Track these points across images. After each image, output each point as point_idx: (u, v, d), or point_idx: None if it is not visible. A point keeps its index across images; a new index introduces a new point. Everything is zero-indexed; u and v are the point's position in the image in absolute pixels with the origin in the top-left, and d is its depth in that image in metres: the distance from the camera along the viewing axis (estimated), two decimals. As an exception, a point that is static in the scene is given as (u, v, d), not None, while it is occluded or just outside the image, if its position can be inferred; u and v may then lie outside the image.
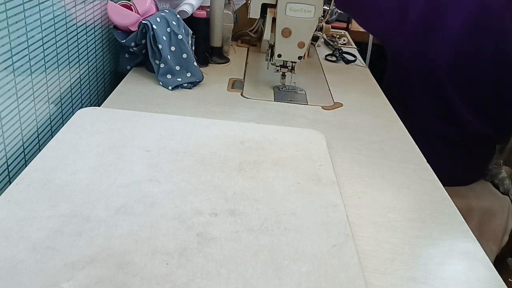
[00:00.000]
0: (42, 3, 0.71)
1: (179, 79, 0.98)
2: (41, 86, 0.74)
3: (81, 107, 0.91)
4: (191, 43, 1.02)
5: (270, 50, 1.03)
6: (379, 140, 0.86)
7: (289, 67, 1.02)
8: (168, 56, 0.97)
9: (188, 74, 0.99)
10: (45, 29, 0.73)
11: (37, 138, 0.75)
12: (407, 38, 1.23)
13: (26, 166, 0.64)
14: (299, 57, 0.98)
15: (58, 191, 0.58)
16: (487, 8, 1.15)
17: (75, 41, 0.86)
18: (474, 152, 1.29)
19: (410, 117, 1.26)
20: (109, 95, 0.91)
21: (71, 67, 0.86)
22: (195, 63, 1.00)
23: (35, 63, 0.72)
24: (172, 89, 0.97)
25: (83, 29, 0.90)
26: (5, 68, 0.63)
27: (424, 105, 1.27)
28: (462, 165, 1.31)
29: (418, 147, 0.85)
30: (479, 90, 1.21)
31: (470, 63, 1.18)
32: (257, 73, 1.16)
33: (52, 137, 0.70)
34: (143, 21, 0.94)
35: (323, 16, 0.97)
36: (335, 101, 1.01)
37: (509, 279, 1.25)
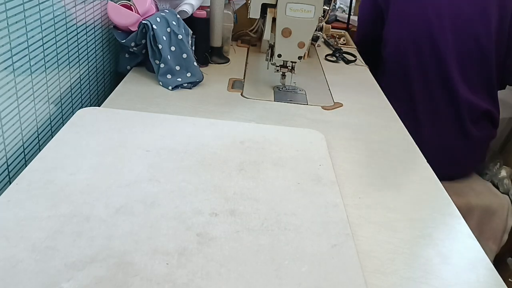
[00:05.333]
0: (42, 3, 0.71)
1: (179, 79, 0.98)
2: (41, 86, 0.74)
3: (81, 107, 0.91)
4: (191, 43, 1.02)
5: (270, 50, 1.03)
6: (379, 140, 0.86)
7: (289, 67, 1.02)
8: (168, 56, 0.97)
9: (188, 74, 0.99)
10: (45, 29, 0.73)
11: (37, 138, 0.75)
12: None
13: (26, 166, 0.64)
14: (299, 57, 0.98)
15: (58, 191, 0.58)
16: None
17: (75, 41, 0.86)
18: (474, 135, 1.30)
19: (414, 99, 1.28)
20: (109, 95, 0.91)
21: (71, 67, 0.86)
22: (195, 63, 1.00)
23: (35, 63, 0.72)
24: (172, 89, 0.97)
25: (83, 29, 0.90)
26: (5, 68, 0.63)
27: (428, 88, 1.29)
28: (462, 150, 1.32)
29: (421, 131, 0.87)
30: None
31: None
32: (257, 73, 1.16)
33: (52, 137, 0.70)
34: (143, 21, 0.94)
35: (323, 16, 0.97)
36: (335, 101, 1.01)
37: (509, 279, 1.25)
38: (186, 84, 0.98)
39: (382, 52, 1.38)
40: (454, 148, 1.32)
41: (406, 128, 0.91)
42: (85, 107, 0.94)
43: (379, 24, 1.38)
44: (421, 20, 1.26)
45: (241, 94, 1.00)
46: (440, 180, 0.74)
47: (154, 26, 0.93)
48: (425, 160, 0.80)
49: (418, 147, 0.84)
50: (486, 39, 1.24)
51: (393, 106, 1.01)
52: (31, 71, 0.70)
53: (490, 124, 1.34)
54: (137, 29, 0.96)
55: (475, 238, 0.61)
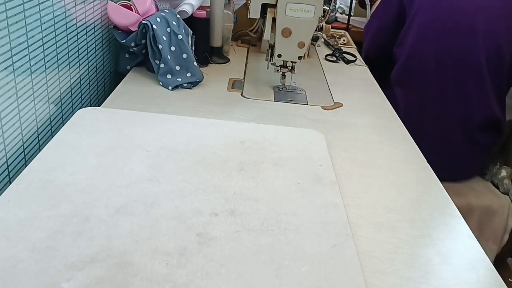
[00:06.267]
0: (42, 3, 0.71)
1: (179, 79, 0.98)
2: (41, 86, 0.74)
3: (81, 107, 0.91)
4: (191, 43, 1.02)
5: (270, 50, 1.03)
6: (379, 140, 0.85)
7: (289, 67, 1.02)
8: (168, 56, 0.97)
9: (188, 74, 0.99)
10: (45, 29, 0.73)
11: (37, 138, 0.75)
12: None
13: (26, 166, 0.64)
14: (299, 57, 0.98)
15: (58, 191, 0.58)
16: None
17: (75, 41, 0.86)
18: (480, 142, 1.30)
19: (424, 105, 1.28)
20: (109, 95, 0.91)
21: (71, 67, 0.86)
22: (195, 63, 1.00)
23: (35, 63, 0.72)
24: (172, 89, 0.97)
25: (83, 29, 0.90)
26: (5, 68, 0.63)
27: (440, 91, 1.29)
28: (467, 156, 1.32)
29: (425, 131, 0.86)
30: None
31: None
32: (257, 73, 1.16)
33: (52, 137, 0.70)
34: (143, 21, 0.94)
35: (323, 16, 0.97)
36: (335, 101, 1.01)
37: (509, 279, 1.25)
38: (186, 84, 0.98)
39: (395, 51, 1.37)
40: (459, 153, 1.31)
41: (411, 128, 0.91)
42: (85, 107, 0.94)
43: (400, 25, 1.36)
44: (448, 19, 1.25)
45: (241, 94, 1.00)
46: (441, 181, 0.74)
47: (154, 26, 0.93)
48: (425, 160, 0.80)
49: (421, 149, 0.84)
50: (507, 46, 1.23)
51: (401, 101, 1.00)
52: (31, 71, 0.70)
53: (497, 133, 1.33)
54: (137, 29, 0.96)
55: (475, 238, 0.61)
